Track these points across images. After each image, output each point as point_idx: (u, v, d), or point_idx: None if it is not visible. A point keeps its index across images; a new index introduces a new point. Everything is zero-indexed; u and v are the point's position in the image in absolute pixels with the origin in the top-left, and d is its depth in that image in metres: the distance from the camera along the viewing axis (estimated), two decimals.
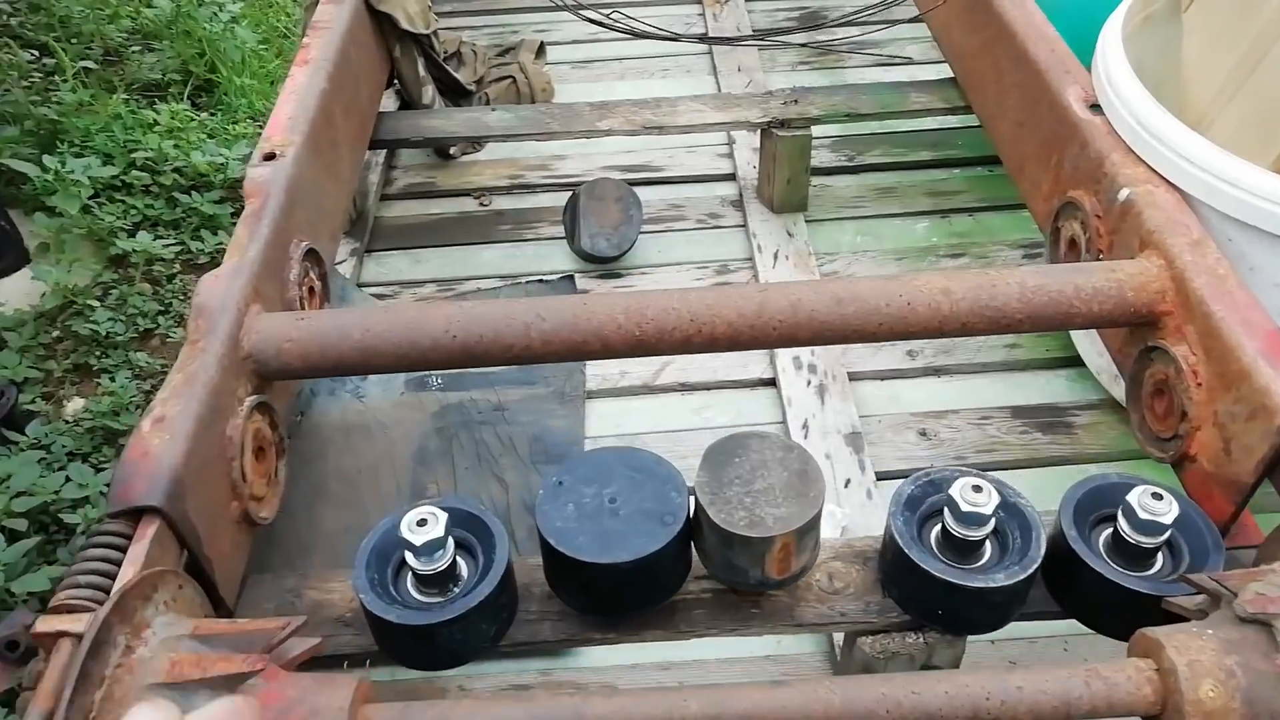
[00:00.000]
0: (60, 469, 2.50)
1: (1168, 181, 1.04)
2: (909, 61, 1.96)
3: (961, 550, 0.85)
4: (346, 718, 0.64)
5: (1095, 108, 1.15)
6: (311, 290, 1.11)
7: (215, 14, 3.85)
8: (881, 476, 1.22)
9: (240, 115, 3.53)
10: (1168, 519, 0.81)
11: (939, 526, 0.86)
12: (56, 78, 3.43)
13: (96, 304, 2.89)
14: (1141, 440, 1.01)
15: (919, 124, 1.68)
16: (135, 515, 0.76)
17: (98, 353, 2.91)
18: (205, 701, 0.63)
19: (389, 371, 0.96)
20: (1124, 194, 1.04)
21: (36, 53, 3.64)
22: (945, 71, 1.88)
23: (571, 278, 1.48)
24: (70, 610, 0.70)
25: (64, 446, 2.58)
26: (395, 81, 1.63)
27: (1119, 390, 1.28)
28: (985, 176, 1.68)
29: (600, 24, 1.52)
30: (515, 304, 0.96)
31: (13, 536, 1.69)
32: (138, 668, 0.64)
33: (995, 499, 0.82)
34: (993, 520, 0.83)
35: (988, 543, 0.86)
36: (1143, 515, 0.81)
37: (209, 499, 0.83)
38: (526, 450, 1.26)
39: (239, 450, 0.87)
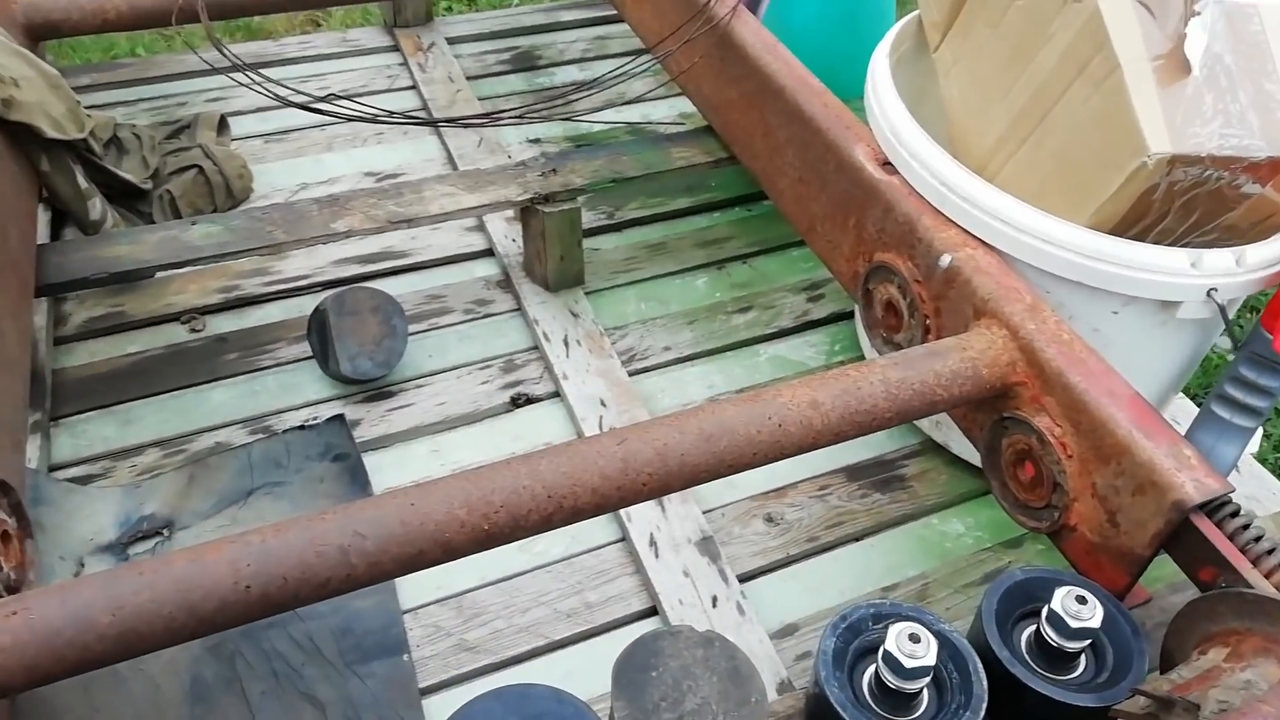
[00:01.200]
0: None
1: (984, 243, 1.02)
2: (639, 99, 1.88)
3: (896, 701, 0.76)
4: None
5: (887, 165, 1.12)
6: (5, 535, 0.81)
7: None
8: (743, 579, 1.13)
9: None
10: (1094, 622, 0.78)
11: (868, 675, 0.78)
12: None
13: None
14: (1008, 508, 0.99)
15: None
16: None
17: None
18: None
19: (158, 649, 0.71)
20: (945, 260, 1.01)
21: None
22: (682, 105, 1.83)
23: (341, 418, 1.23)
24: None
25: None
26: (46, 199, 1.28)
27: (937, 433, 1.28)
28: (748, 217, 1.64)
29: (301, 106, 1.28)
30: (319, 523, 0.75)
31: None
32: None
33: (934, 646, 0.74)
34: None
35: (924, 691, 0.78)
36: (1070, 622, 0.77)
37: None
38: (334, 650, 1.03)
39: None
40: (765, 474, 1.22)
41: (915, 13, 1.29)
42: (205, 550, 0.72)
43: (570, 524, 0.81)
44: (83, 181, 1.29)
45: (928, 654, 0.73)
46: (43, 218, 1.43)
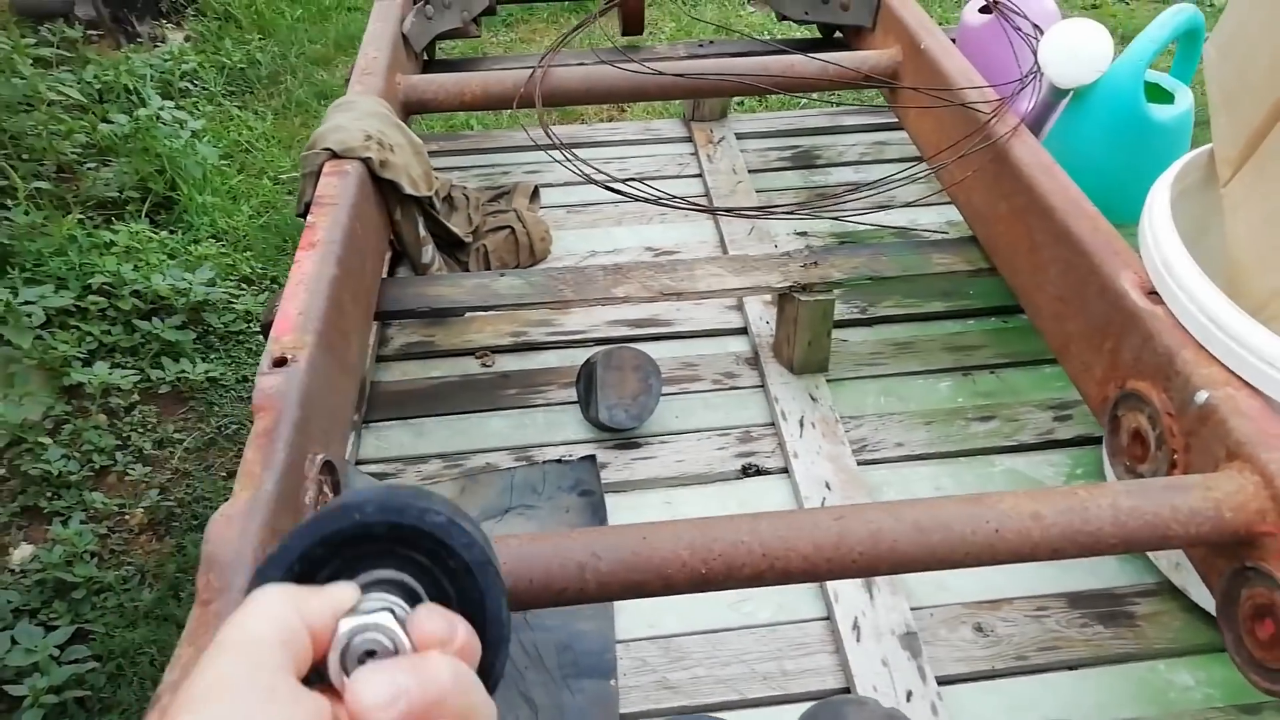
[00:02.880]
0: (4, 629, 2.29)
1: (1248, 384, 0.99)
2: (909, 204, 1.94)
3: None
4: None
5: (1153, 294, 1.11)
6: None
7: (176, 130, 3.77)
8: (942, 681, 1.13)
9: (202, 235, 3.43)
10: None
11: None
12: (8, 201, 3.29)
13: (48, 440, 2.73)
14: (1240, 665, 0.94)
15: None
16: None
17: (49, 494, 2.74)
18: None
19: None
20: (1202, 397, 0.99)
21: None
22: (950, 214, 1.88)
23: (593, 458, 1.39)
24: None
25: (9, 602, 2.37)
26: (394, 242, 1.55)
27: (1176, 575, 1.22)
28: (1002, 329, 1.64)
29: (625, 194, 1.48)
30: (567, 539, 0.87)
31: None
32: None
33: None
34: None
35: None
36: None
37: None
38: (554, 662, 1.15)
39: None
40: (980, 583, 1.23)
41: (1207, 146, 1.28)
42: None
43: (779, 584, 0.89)
44: (422, 230, 1.56)
45: None
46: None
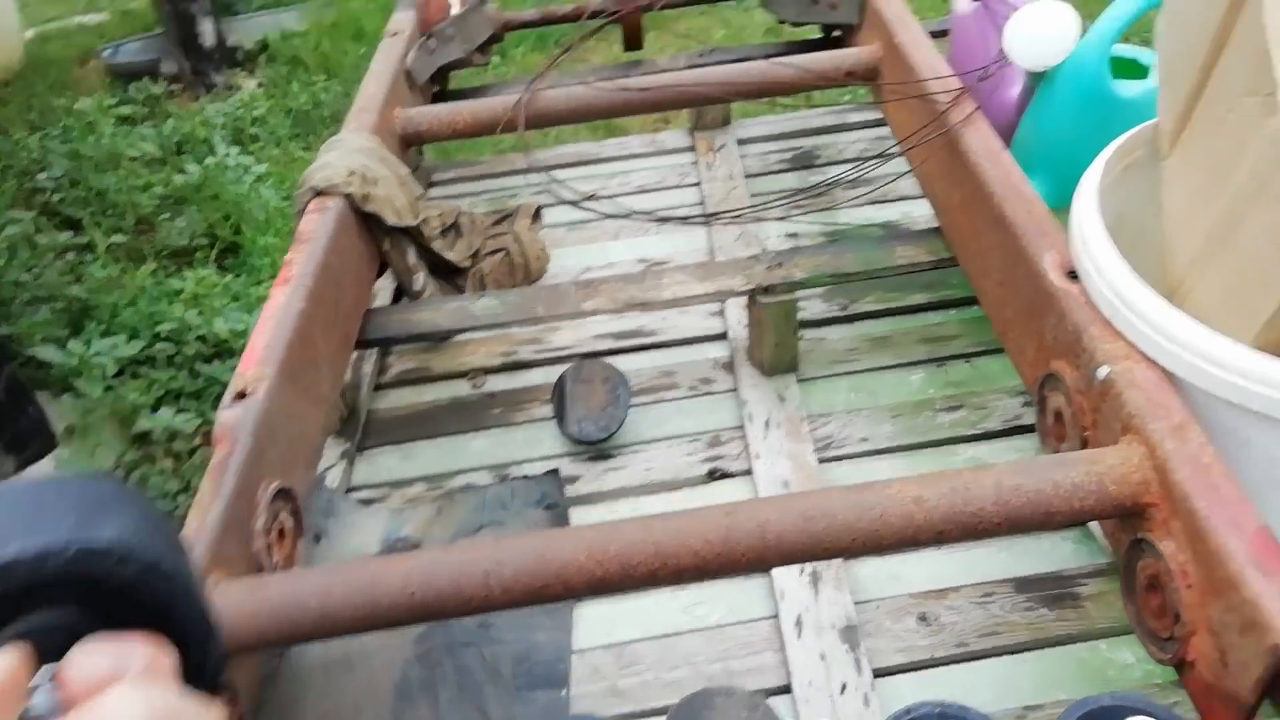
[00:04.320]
0: None
1: (1149, 358, 0.99)
2: (902, 197, 1.95)
3: None
4: None
5: (1073, 275, 1.11)
6: (282, 533, 1.10)
7: (241, 176, 4.01)
8: (879, 673, 1.15)
9: (263, 276, 3.63)
10: None
11: None
12: (89, 255, 3.57)
13: None
14: (1140, 636, 0.94)
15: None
16: None
17: None
18: None
19: (349, 634, 0.94)
20: (1103, 372, 1.00)
21: (72, 230, 3.80)
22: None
23: (555, 472, 1.45)
24: None
25: None
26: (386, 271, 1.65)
27: None
28: (980, 318, 1.63)
29: (593, 210, 1.55)
30: (474, 550, 0.94)
31: None
32: None
33: None
34: None
35: None
36: None
37: None
38: (510, 673, 1.22)
39: None
40: (929, 573, 1.25)
41: (1154, 120, 1.26)
42: (389, 561, 0.95)
43: (673, 583, 0.94)
44: (412, 259, 1.65)
45: None
46: (389, 288, 1.85)
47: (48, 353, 2.77)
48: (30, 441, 2.51)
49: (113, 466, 2.71)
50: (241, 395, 1.11)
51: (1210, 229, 1.03)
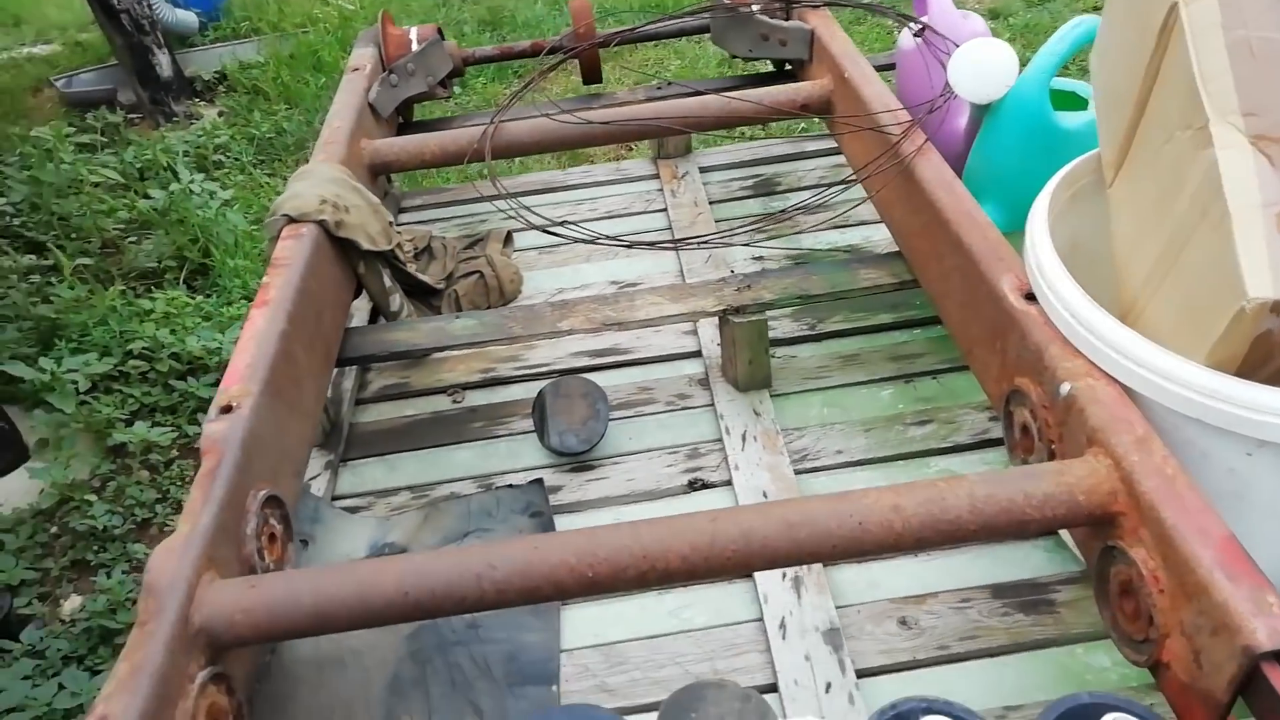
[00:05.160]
0: (54, 675, 2.45)
1: (1108, 375, 1.05)
2: (862, 222, 2.02)
3: None
4: None
5: (1030, 297, 1.18)
6: (273, 537, 1.12)
7: (207, 201, 4.01)
8: (862, 674, 1.20)
9: (234, 296, 3.63)
10: None
11: None
12: (54, 277, 3.54)
13: (94, 498, 2.91)
14: (1116, 640, 0.99)
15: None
16: None
17: (95, 548, 2.91)
18: None
19: (343, 631, 0.96)
20: (1065, 388, 1.06)
21: (35, 254, 3.77)
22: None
23: (540, 481, 1.48)
24: None
25: (59, 650, 2.54)
26: (363, 293, 1.68)
27: None
28: (944, 336, 1.70)
29: (563, 236, 1.59)
30: (467, 554, 0.97)
31: None
32: None
33: None
34: None
35: None
36: None
37: None
38: (501, 672, 1.24)
39: None
40: (909, 579, 1.30)
41: (1096, 150, 1.33)
42: (383, 563, 0.98)
43: (661, 585, 0.97)
44: (388, 281, 1.68)
45: None
46: (365, 308, 1.87)
47: (17, 369, 2.75)
48: (2, 453, 2.49)
49: (87, 478, 2.68)
50: (228, 409, 1.13)
51: (1158, 253, 1.10)
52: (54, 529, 2.86)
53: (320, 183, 1.54)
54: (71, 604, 2.70)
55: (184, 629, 0.90)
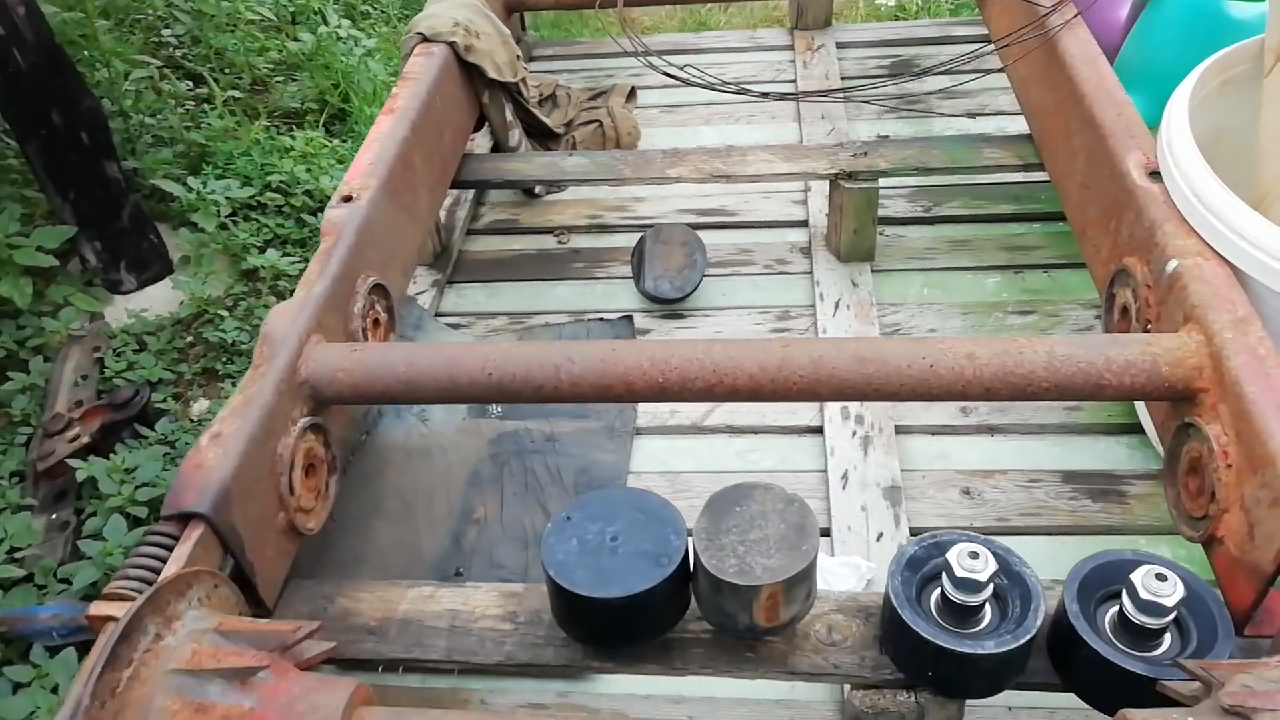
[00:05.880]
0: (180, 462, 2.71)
1: (1220, 255, 1.01)
2: (1000, 113, 1.94)
3: (959, 614, 0.85)
4: (340, 717, 0.70)
5: (1155, 175, 1.13)
6: (376, 322, 1.20)
7: (351, 49, 4.13)
8: (916, 532, 1.22)
9: None
10: (1171, 600, 0.79)
11: (939, 589, 0.87)
12: (208, 106, 3.74)
13: (226, 314, 3.14)
14: (1175, 518, 0.98)
15: (1002, 176, 1.66)
16: (184, 520, 0.85)
17: (224, 358, 3.15)
18: (219, 690, 0.70)
19: (430, 403, 1.04)
20: (1172, 265, 1.02)
21: (192, 83, 3.99)
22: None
23: (630, 318, 1.53)
24: (119, 598, 0.79)
25: (187, 444, 2.80)
26: (484, 128, 1.73)
27: None
28: (1065, 233, 1.64)
29: (679, 79, 1.59)
30: (549, 347, 1.02)
31: (135, 522, 1.87)
32: (163, 654, 0.72)
33: (992, 566, 0.82)
34: (989, 587, 0.83)
35: (987, 608, 0.86)
36: (1145, 595, 0.80)
37: (255, 510, 0.91)
38: (572, 482, 1.32)
39: (288, 466, 0.96)
40: (980, 453, 1.31)
41: (1260, 35, 1.25)
42: (472, 345, 1.04)
43: (728, 400, 1.00)
44: (509, 115, 1.73)
45: (984, 570, 0.82)
46: (486, 145, 1.93)
47: (169, 186, 2.96)
48: (150, 265, 2.70)
49: (222, 294, 2.89)
50: (348, 199, 1.21)
51: None
52: (189, 338, 3.10)
53: (456, 6, 1.58)
54: (200, 406, 2.95)
55: (291, 376, 0.99)
